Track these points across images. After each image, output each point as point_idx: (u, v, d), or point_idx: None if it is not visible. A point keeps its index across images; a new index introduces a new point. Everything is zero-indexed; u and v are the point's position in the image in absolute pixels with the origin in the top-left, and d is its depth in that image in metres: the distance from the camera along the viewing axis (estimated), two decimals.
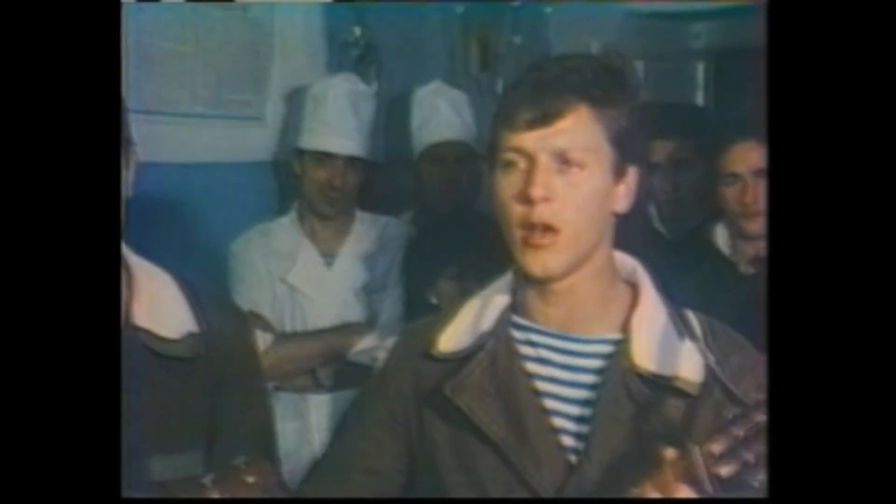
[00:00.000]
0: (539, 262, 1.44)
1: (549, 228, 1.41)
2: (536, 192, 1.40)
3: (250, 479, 1.38)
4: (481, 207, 2.71)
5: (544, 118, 1.43)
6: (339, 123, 2.72)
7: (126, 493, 1.41)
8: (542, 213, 1.41)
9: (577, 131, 1.42)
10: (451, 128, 2.90)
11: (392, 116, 3.08)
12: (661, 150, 2.51)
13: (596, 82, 1.43)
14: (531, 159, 1.42)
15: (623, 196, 1.46)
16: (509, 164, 1.44)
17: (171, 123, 2.66)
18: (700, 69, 3.96)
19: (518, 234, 1.43)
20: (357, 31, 3.16)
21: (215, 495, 1.36)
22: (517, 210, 1.43)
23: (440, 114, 2.90)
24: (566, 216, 1.41)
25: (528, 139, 1.43)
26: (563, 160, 1.42)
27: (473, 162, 2.84)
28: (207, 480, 1.38)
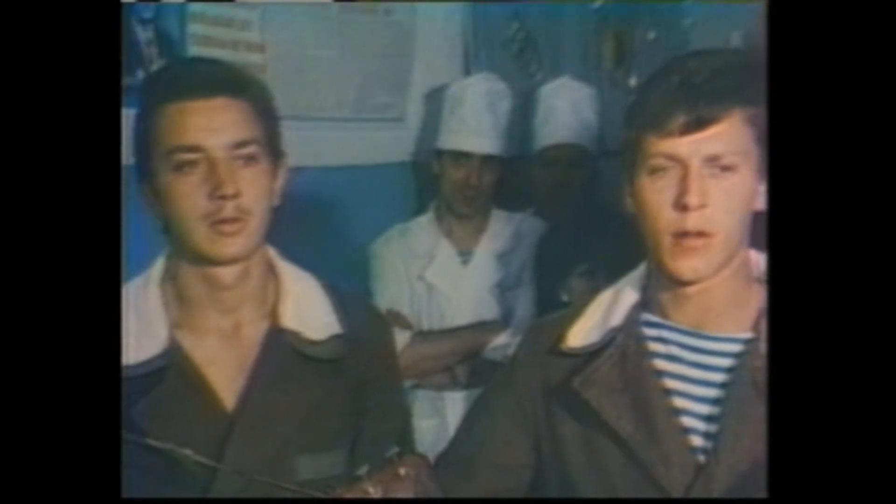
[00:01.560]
0: (690, 266, 1.42)
1: (702, 234, 1.39)
2: (693, 200, 1.38)
3: (402, 471, 1.39)
4: (612, 204, 2.69)
5: (698, 123, 1.40)
6: (476, 123, 2.75)
7: (273, 492, 1.44)
8: (696, 220, 1.39)
9: (731, 135, 1.40)
10: (566, 129, 2.86)
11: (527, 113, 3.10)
12: None
13: (747, 83, 1.40)
14: (684, 165, 1.39)
15: (763, 193, 1.43)
16: (658, 170, 1.41)
17: (317, 128, 2.70)
18: None
19: (668, 239, 1.41)
20: (515, 26, 3.17)
21: (370, 488, 1.38)
22: (669, 216, 1.40)
23: (557, 115, 2.88)
24: (719, 220, 1.39)
25: (682, 145, 1.40)
26: (717, 165, 1.39)
27: (587, 165, 2.81)
28: (363, 472, 1.39)
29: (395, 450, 1.42)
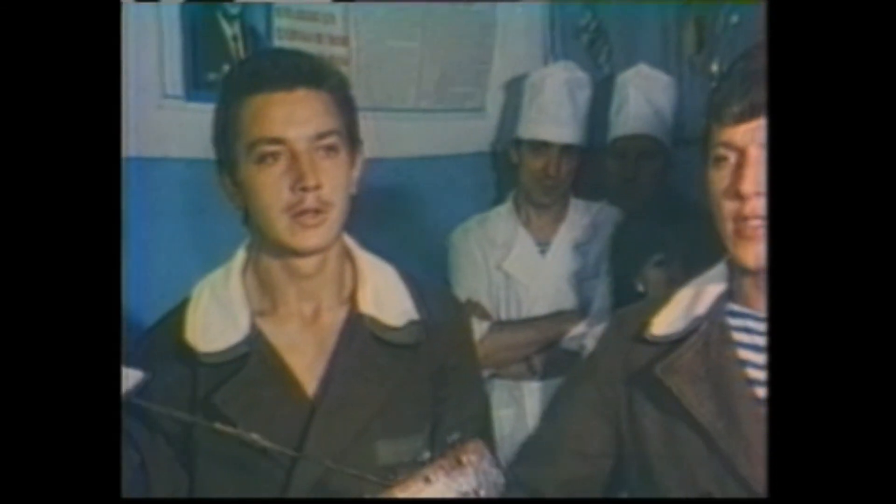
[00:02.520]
0: (753, 253, 1.41)
1: (761, 219, 1.39)
2: (747, 188, 1.38)
3: (464, 458, 1.38)
4: (688, 193, 2.67)
5: (752, 111, 1.39)
6: (555, 112, 2.74)
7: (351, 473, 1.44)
8: (754, 207, 1.39)
9: None
10: (637, 120, 2.83)
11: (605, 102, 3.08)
12: None
13: None
14: (741, 153, 1.39)
15: None
16: (720, 159, 1.42)
17: (397, 119, 2.74)
18: None
19: (730, 226, 1.41)
20: (588, 15, 3.15)
21: (431, 474, 1.37)
22: (729, 205, 1.41)
23: (629, 105, 2.84)
24: None
25: (738, 133, 1.40)
26: None
27: (659, 156, 2.76)
28: (425, 458, 1.39)
29: (456, 436, 1.42)
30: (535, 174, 2.72)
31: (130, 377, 1.47)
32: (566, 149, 2.71)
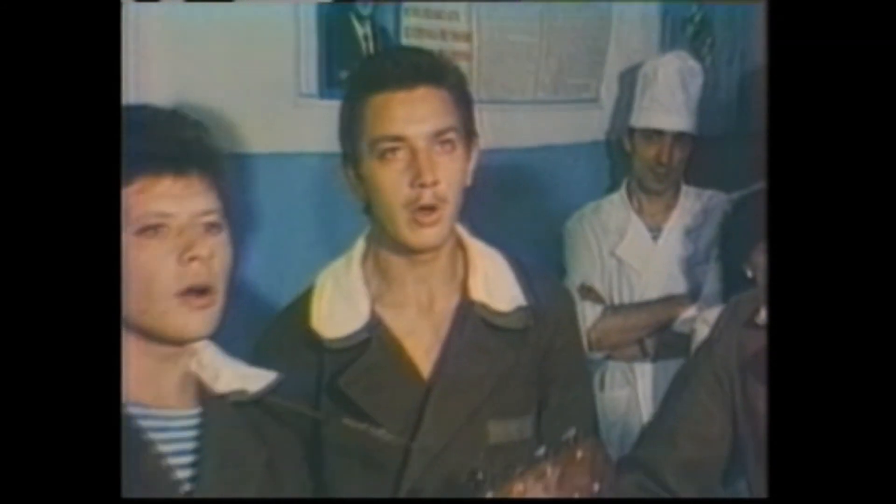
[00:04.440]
0: None
1: None
2: None
3: (579, 454, 1.38)
4: None
5: None
6: (668, 100, 2.74)
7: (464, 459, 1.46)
8: None
9: None
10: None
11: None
12: None
13: None
14: None
15: None
16: None
17: (516, 111, 2.75)
18: None
19: None
20: (694, 8, 3.14)
21: (548, 468, 1.36)
22: None
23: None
24: None
25: None
26: None
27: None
28: (541, 453, 1.39)
29: (573, 432, 1.41)
30: (647, 162, 2.73)
31: (262, 377, 1.50)
32: (678, 137, 2.72)
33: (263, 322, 1.76)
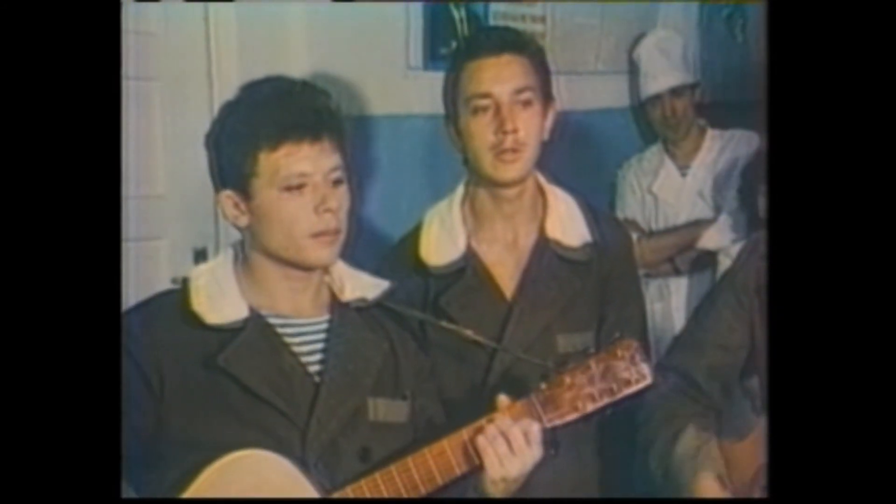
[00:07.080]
0: None
1: None
2: None
3: (619, 353, 1.46)
4: None
5: None
6: (653, 68, 2.99)
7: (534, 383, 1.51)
8: None
9: None
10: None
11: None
12: None
13: None
14: None
15: None
16: None
17: (580, 80, 2.97)
18: None
19: None
20: None
21: (592, 363, 1.44)
22: None
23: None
24: None
25: None
26: None
27: None
28: (591, 351, 1.51)
29: (618, 334, 1.50)
30: (660, 120, 2.99)
31: (379, 286, 1.61)
32: (673, 91, 2.94)
33: (382, 251, 1.95)
